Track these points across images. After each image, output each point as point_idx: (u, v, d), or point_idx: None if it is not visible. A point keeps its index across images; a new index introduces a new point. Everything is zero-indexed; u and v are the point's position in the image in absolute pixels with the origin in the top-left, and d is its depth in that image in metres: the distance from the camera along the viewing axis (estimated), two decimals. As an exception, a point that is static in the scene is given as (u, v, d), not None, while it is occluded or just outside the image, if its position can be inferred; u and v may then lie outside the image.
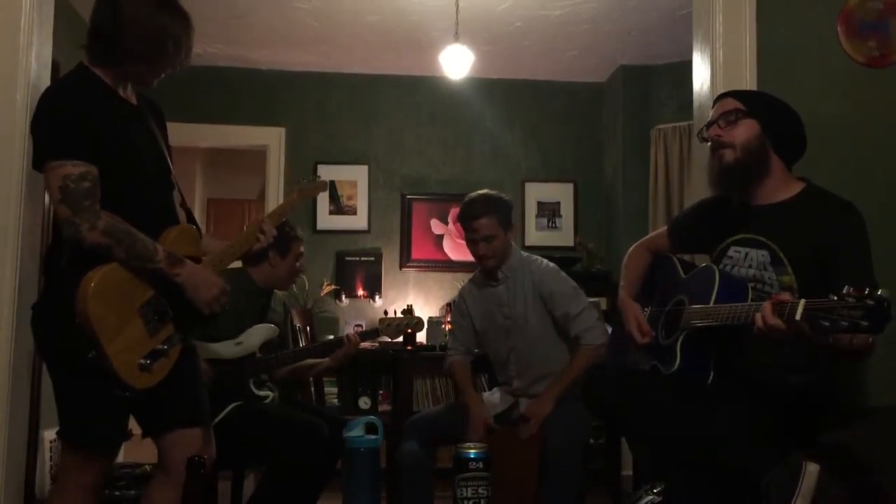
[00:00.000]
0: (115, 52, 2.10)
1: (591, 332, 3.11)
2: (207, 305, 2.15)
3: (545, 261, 3.30)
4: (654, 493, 2.35)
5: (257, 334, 3.11)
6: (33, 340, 2.16)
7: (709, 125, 2.29)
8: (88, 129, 2.02)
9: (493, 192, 3.28)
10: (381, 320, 3.38)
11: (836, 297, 1.69)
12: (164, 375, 2.09)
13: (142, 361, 2.02)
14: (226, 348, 2.99)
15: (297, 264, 3.33)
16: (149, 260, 2.02)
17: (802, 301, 1.77)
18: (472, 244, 3.21)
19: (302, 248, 3.34)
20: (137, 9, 2.09)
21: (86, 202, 1.96)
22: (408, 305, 3.46)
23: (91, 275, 1.95)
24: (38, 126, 2.07)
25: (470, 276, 3.52)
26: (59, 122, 2.02)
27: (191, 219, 2.30)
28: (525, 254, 3.33)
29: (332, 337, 3.43)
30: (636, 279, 2.51)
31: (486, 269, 3.26)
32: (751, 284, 2.14)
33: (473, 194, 3.26)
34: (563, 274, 3.26)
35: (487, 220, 3.14)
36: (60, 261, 2.05)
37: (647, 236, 2.68)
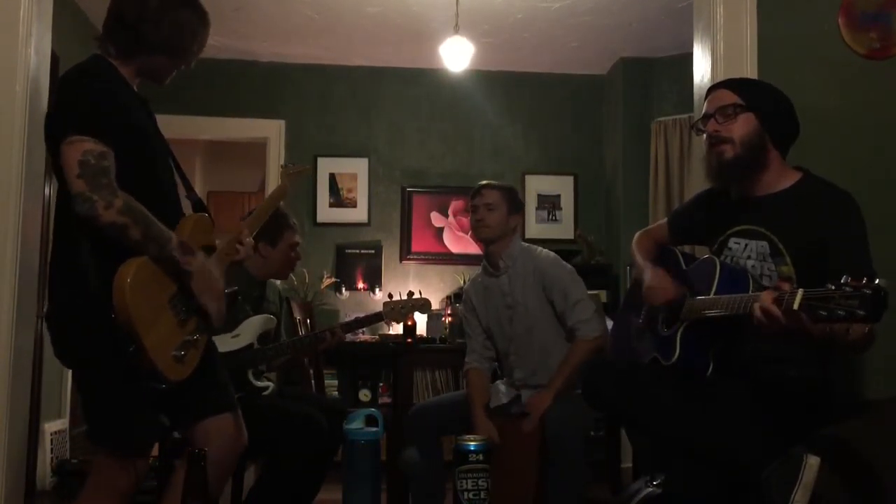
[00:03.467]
0: (136, 41, 2.10)
1: (587, 325, 3.14)
2: (208, 301, 2.11)
3: (546, 250, 3.35)
4: (654, 486, 2.35)
5: (254, 325, 3.11)
6: (53, 346, 2.08)
7: (705, 118, 2.27)
8: (114, 111, 2.01)
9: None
10: (385, 304, 3.36)
11: (833, 287, 1.69)
12: (195, 366, 2.07)
13: (175, 353, 2.01)
14: (222, 341, 2.98)
15: (292, 254, 3.32)
16: (163, 245, 1.99)
17: (800, 291, 1.77)
18: (473, 212, 3.31)
19: (297, 238, 3.33)
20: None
21: (104, 179, 1.92)
22: (409, 292, 3.45)
23: (126, 268, 1.91)
24: (64, 100, 2.04)
25: (470, 269, 3.54)
26: (87, 98, 2.00)
27: (201, 207, 2.29)
28: (526, 244, 3.38)
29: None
30: (649, 254, 2.50)
31: (479, 238, 3.35)
32: (751, 275, 2.14)
33: None
34: (564, 262, 3.31)
35: (493, 191, 3.29)
36: (77, 260, 2.01)
37: (648, 226, 2.69)
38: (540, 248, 3.35)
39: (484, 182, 3.36)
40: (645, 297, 2.36)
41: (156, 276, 2.00)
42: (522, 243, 3.36)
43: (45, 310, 2.16)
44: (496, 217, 3.25)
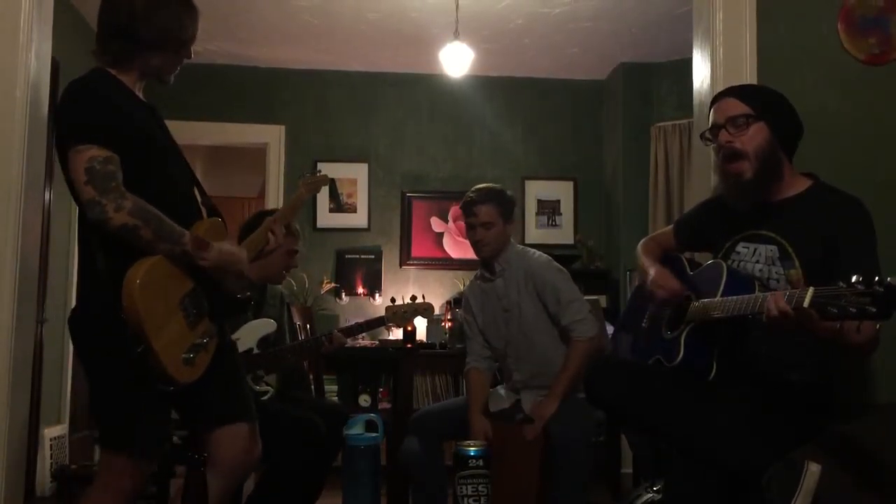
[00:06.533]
0: (130, 44, 2.11)
1: (581, 325, 3.13)
2: (230, 286, 2.15)
3: (539, 252, 3.34)
4: (654, 491, 2.35)
5: (254, 330, 3.11)
6: (74, 349, 2.14)
7: (715, 129, 2.26)
8: (118, 120, 2.04)
9: (497, 185, 3.37)
10: (388, 308, 3.36)
11: (844, 285, 1.70)
12: (204, 369, 2.09)
13: (185, 355, 2.02)
14: None
15: (291, 260, 3.32)
16: (176, 242, 2.01)
17: (811, 289, 1.78)
18: (470, 230, 3.27)
19: (296, 245, 3.34)
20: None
21: (112, 183, 1.95)
22: (412, 296, 3.45)
23: (136, 269, 1.94)
24: (66, 111, 2.07)
25: (470, 274, 3.53)
26: (89, 108, 2.03)
27: (215, 212, 2.31)
28: (521, 247, 3.38)
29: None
30: (655, 259, 2.50)
31: (480, 257, 3.32)
32: (757, 280, 2.14)
33: (479, 185, 3.35)
34: (556, 264, 3.30)
35: (487, 207, 3.21)
36: (95, 265, 2.03)
37: (654, 233, 2.69)
38: (533, 251, 3.34)
39: (473, 194, 3.25)
40: (648, 294, 2.36)
41: (168, 276, 2.02)
42: (517, 246, 3.36)
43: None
44: (494, 233, 3.22)
